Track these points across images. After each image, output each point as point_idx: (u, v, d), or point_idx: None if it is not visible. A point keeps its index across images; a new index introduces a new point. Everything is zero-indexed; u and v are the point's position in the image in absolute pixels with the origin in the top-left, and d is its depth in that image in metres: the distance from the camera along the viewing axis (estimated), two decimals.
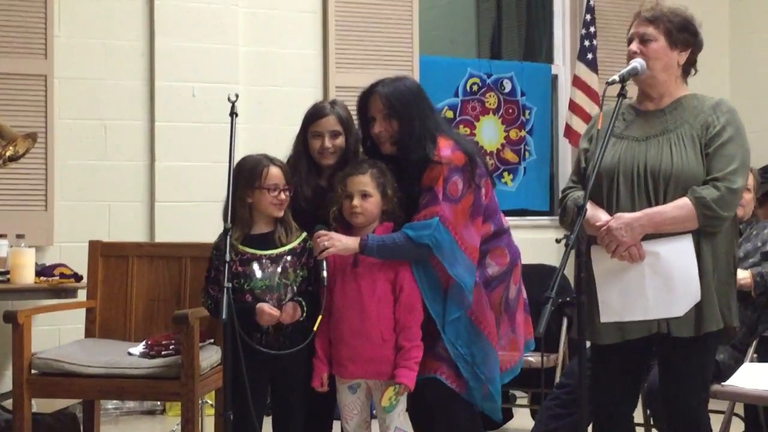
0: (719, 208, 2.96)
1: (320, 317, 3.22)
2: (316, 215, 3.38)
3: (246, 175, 3.34)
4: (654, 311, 3.02)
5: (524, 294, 3.49)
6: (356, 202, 3.24)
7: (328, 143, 3.45)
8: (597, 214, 3.07)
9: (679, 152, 3.03)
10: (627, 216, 3.00)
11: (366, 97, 3.35)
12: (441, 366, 3.23)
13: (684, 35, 3.13)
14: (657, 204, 3.02)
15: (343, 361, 3.26)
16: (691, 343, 3.03)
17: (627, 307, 2.97)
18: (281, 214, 3.38)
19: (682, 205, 2.98)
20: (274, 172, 3.36)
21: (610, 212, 3.06)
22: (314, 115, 3.51)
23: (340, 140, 3.47)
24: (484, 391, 3.27)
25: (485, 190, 3.34)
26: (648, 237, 3.01)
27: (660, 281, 3.00)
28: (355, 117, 3.49)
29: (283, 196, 3.36)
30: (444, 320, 3.23)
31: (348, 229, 3.30)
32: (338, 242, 3.20)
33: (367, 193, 3.25)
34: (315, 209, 3.42)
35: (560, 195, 3.31)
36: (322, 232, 3.22)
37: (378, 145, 3.36)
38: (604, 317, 3.05)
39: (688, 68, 3.19)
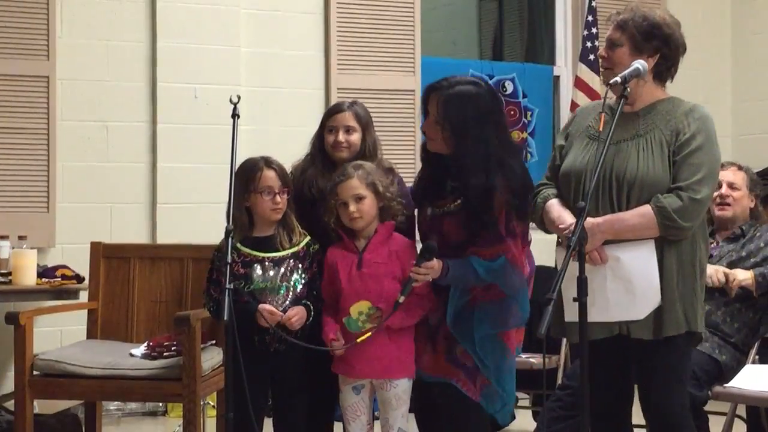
0: (680, 218, 2.94)
1: (368, 335, 3.18)
2: (320, 222, 3.39)
3: (243, 179, 3.34)
4: (614, 314, 3.03)
5: None
6: (352, 207, 3.25)
7: (341, 137, 3.52)
8: (563, 216, 3.08)
9: (645, 158, 3.02)
10: (588, 221, 2.96)
11: (429, 90, 3.22)
12: (459, 372, 3.22)
13: (652, 42, 3.07)
14: (619, 209, 3.01)
15: (351, 360, 3.26)
16: (657, 346, 3.03)
17: (589, 308, 2.97)
18: (279, 217, 3.38)
19: (644, 213, 2.97)
20: (269, 175, 3.35)
21: (575, 214, 3.02)
22: (332, 110, 3.63)
23: (355, 136, 3.54)
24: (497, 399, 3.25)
25: None
26: (611, 241, 3.00)
27: (621, 285, 3.00)
28: (375, 117, 3.60)
29: (278, 199, 3.35)
30: (474, 336, 3.19)
31: (349, 232, 3.31)
32: (433, 272, 3.12)
33: (360, 195, 3.25)
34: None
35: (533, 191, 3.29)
36: (430, 264, 3.11)
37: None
38: (568, 317, 3.04)
39: (663, 72, 3.13)
